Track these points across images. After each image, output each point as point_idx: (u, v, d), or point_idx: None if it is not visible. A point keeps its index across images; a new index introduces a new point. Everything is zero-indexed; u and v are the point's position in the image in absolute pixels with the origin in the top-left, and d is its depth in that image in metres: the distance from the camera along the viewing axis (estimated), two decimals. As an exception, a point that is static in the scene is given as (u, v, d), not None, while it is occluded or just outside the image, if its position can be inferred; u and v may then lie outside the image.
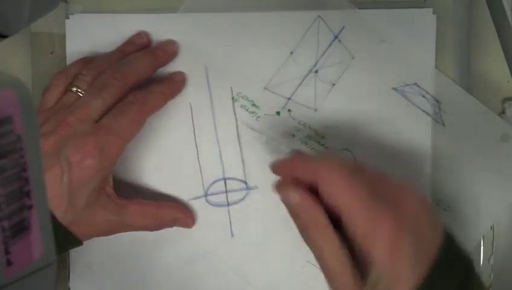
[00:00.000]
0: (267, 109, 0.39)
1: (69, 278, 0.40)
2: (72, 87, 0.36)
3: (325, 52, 0.39)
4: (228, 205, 0.39)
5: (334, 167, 0.31)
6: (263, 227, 0.39)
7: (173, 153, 0.39)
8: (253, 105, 0.39)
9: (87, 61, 0.38)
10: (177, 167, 0.39)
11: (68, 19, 0.40)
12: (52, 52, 0.40)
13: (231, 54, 0.39)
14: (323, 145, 0.39)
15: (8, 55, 0.41)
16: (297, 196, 0.31)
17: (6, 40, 0.23)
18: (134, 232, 0.38)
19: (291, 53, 0.39)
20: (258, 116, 0.39)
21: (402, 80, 0.38)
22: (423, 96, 0.38)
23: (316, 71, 0.39)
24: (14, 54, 0.41)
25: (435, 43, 0.38)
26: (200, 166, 0.39)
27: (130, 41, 0.39)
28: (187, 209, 0.39)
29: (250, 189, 0.39)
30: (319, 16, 0.38)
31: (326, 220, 0.30)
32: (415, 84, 0.38)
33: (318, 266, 0.38)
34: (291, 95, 0.39)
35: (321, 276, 0.36)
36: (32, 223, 0.17)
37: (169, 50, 0.39)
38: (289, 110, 0.39)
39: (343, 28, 0.38)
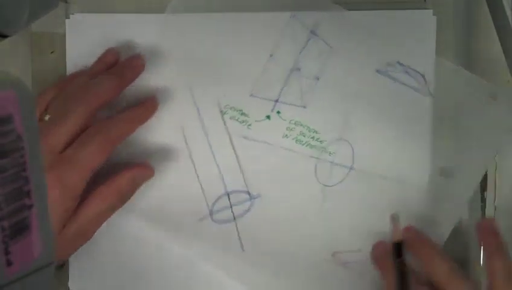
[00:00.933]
0: (257, 115, 0.39)
1: (68, 278, 0.40)
2: (45, 115, 0.35)
3: (303, 48, 0.39)
4: (234, 219, 0.39)
5: None
6: (272, 234, 0.39)
7: (173, 179, 0.39)
8: (243, 114, 0.39)
9: (61, 86, 0.38)
10: (179, 192, 0.39)
11: (68, 18, 0.40)
12: (52, 52, 0.40)
13: (212, 66, 0.39)
14: (317, 139, 0.39)
15: (8, 55, 0.41)
16: None
17: (6, 40, 0.23)
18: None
19: (271, 56, 0.39)
20: (249, 124, 0.39)
21: (384, 61, 0.39)
22: (407, 73, 0.38)
23: (299, 69, 0.39)
24: (14, 54, 0.41)
25: (435, 44, 0.38)
26: (201, 186, 0.39)
27: (99, 60, 0.39)
28: (140, 164, 0.38)
29: (254, 198, 0.39)
30: (292, 15, 0.39)
31: None
32: (397, 62, 0.38)
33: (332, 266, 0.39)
34: (278, 97, 0.39)
35: (334, 277, 0.37)
36: (32, 222, 0.17)
37: (135, 66, 0.38)
38: (278, 112, 0.39)
39: (317, 22, 0.39)
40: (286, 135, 0.39)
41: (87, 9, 0.40)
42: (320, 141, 0.39)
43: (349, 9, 0.39)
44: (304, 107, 0.39)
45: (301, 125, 0.39)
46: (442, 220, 0.39)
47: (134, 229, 0.39)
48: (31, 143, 0.17)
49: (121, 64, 0.38)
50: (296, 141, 0.39)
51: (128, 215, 0.39)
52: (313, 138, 0.39)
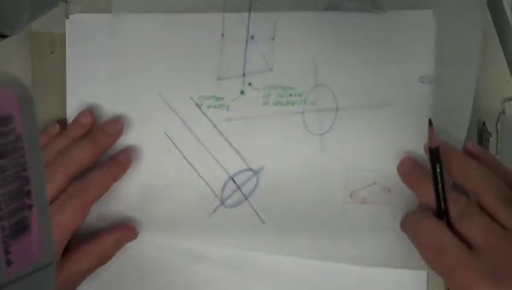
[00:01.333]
0: (231, 95, 0.40)
1: None
2: None
3: (249, 16, 0.39)
4: (246, 198, 0.39)
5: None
6: (286, 198, 0.39)
7: (175, 185, 0.40)
8: (218, 99, 0.40)
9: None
10: (185, 195, 0.40)
11: (68, 18, 0.40)
12: (52, 52, 0.41)
13: (173, 64, 0.40)
14: (296, 94, 0.39)
15: (8, 55, 0.41)
16: None
17: (6, 40, 0.23)
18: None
19: (223, 35, 0.39)
20: (227, 106, 0.40)
21: None
22: (351, 0, 0.39)
23: (252, 37, 0.39)
24: (14, 54, 0.41)
25: (435, 44, 0.38)
26: (204, 181, 0.40)
27: (76, 123, 0.39)
28: (124, 225, 0.39)
29: (258, 172, 0.39)
30: None
31: None
32: None
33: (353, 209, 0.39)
34: (244, 70, 0.39)
35: (357, 215, 0.38)
36: (32, 222, 0.17)
37: (112, 132, 0.39)
38: (250, 84, 0.39)
39: None
40: (265, 103, 0.39)
41: (87, 9, 0.40)
42: (299, 95, 0.39)
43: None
44: (271, 69, 0.39)
45: (275, 87, 0.39)
46: (443, 127, 0.38)
47: (149, 247, 0.40)
48: (31, 143, 0.17)
49: (99, 129, 0.39)
50: (277, 104, 0.39)
51: (140, 235, 0.39)
52: (291, 94, 0.39)
